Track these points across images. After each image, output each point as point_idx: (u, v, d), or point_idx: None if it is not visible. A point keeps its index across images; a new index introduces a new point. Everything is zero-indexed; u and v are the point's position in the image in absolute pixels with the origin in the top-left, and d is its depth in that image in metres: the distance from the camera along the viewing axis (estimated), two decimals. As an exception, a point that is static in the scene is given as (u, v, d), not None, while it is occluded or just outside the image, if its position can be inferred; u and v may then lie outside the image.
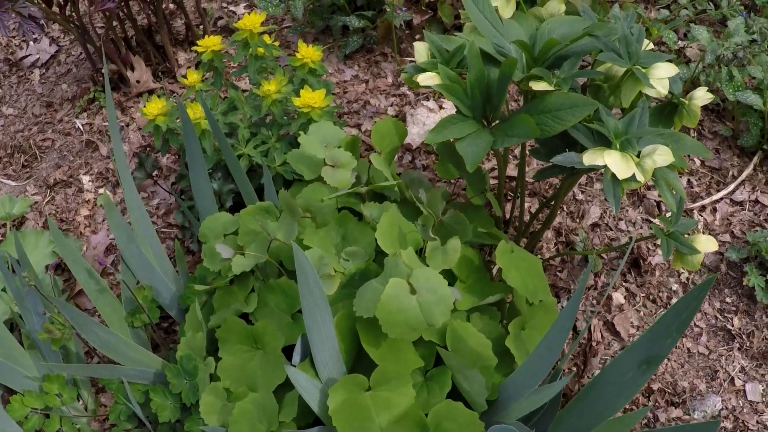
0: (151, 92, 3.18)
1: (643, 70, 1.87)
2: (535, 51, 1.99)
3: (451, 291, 1.80)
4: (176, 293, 2.35)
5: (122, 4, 2.97)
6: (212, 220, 2.22)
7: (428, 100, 2.99)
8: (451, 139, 1.87)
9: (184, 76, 3.02)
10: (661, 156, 1.79)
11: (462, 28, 3.04)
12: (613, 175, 1.74)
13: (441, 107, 2.96)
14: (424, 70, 2.08)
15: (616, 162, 1.72)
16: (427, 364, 1.95)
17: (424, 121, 2.91)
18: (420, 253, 2.05)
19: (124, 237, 2.21)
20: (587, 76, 1.97)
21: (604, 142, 1.84)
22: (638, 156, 1.79)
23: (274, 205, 2.14)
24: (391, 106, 3.03)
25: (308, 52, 2.49)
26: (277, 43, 2.55)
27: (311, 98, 2.37)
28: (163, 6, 3.12)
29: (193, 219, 2.58)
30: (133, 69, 3.12)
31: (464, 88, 1.94)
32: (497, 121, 1.95)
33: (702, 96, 1.98)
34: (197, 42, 2.56)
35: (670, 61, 1.91)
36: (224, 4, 3.55)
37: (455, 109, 2.96)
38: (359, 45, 3.15)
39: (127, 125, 3.11)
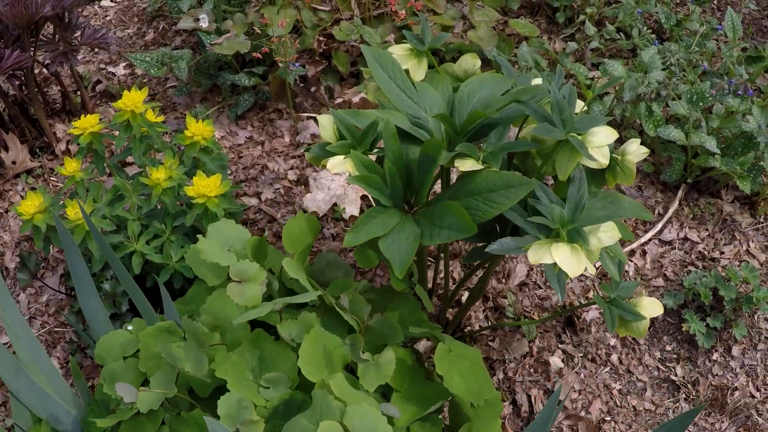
0: (29, 172, 2.91)
1: (580, 138, 1.69)
2: (455, 119, 1.81)
3: (389, 427, 1.59)
4: (77, 416, 2.10)
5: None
6: (108, 340, 1.98)
7: (331, 161, 2.78)
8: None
9: (65, 152, 2.78)
10: (607, 233, 1.64)
11: (359, 76, 2.86)
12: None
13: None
14: (331, 152, 1.89)
15: (566, 258, 1.54)
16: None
17: (329, 185, 2.71)
18: (348, 368, 1.85)
19: (10, 371, 1.96)
20: (519, 149, 1.78)
21: (544, 227, 1.66)
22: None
23: (176, 325, 1.91)
24: (291, 169, 2.82)
25: (198, 129, 2.27)
26: (161, 119, 2.31)
27: (206, 186, 2.15)
28: (35, 73, 2.85)
29: (86, 336, 2.33)
30: (7, 149, 2.85)
31: (382, 175, 1.75)
32: (420, 206, 1.78)
33: (636, 151, 1.80)
34: (73, 123, 2.32)
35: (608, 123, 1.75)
36: (102, 65, 3.30)
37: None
38: (251, 104, 2.93)
39: (6, 211, 2.84)
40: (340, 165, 1.79)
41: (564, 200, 1.66)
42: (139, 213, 2.26)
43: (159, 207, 2.32)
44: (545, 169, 1.78)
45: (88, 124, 2.31)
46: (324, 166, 1.84)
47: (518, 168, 1.90)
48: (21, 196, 2.86)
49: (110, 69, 3.27)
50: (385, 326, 1.87)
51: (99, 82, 3.19)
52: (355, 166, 1.76)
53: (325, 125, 1.93)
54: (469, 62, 2.11)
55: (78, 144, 2.28)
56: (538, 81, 1.94)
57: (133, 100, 2.23)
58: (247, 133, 2.93)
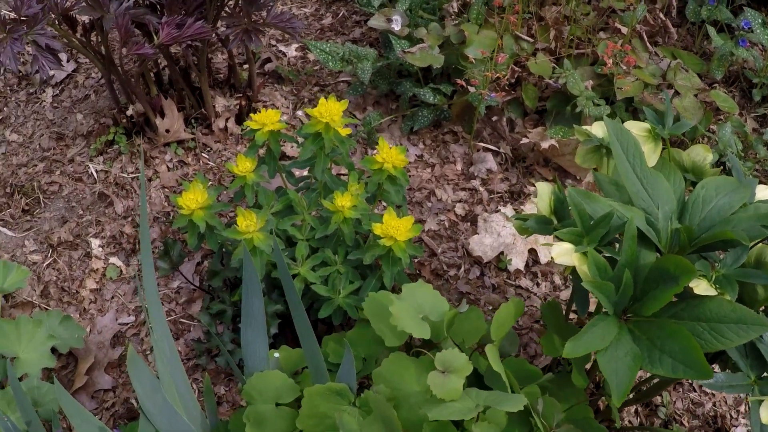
0: (180, 142, 2.72)
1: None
2: (686, 221, 1.62)
3: None
4: (203, 441, 1.92)
5: (161, 52, 2.50)
6: (263, 380, 1.79)
7: (505, 206, 2.56)
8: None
9: (222, 129, 2.58)
10: None
11: (545, 114, 2.63)
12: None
13: (520, 216, 2.53)
14: (546, 223, 1.71)
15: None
16: None
17: (499, 231, 2.49)
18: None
19: (148, 389, 1.78)
20: (761, 281, 1.55)
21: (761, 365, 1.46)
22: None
23: (348, 389, 1.70)
24: (460, 202, 2.61)
25: (390, 155, 2.05)
26: (348, 131, 2.09)
27: (395, 228, 1.94)
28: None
29: (225, 351, 2.15)
30: (163, 115, 2.66)
31: (613, 280, 1.54)
32: (632, 315, 1.58)
33: None
34: (251, 116, 2.12)
35: None
36: (273, 42, 3.09)
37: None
38: (429, 121, 2.71)
39: (150, 180, 2.66)
40: (566, 255, 1.60)
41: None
42: (312, 234, 2.06)
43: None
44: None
45: (268, 120, 2.11)
46: (528, 233, 1.72)
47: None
48: (168, 167, 2.68)
49: (281, 47, 3.07)
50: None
51: (269, 60, 2.98)
52: (588, 268, 1.55)
53: (543, 194, 1.77)
54: (700, 154, 1.90)
55: (247, 138, 2.07)
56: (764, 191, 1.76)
57: (330, 111, 2.02)
58: (419, 150, 2.72)
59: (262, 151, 2.19)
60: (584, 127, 1.92)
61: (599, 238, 1.62)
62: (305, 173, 2.28)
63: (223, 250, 2.23)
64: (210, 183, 2.21)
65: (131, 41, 2.31)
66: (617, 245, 1.64)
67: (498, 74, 2.43)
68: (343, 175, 2.50)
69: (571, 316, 2.16)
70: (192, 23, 2.33)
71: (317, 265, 2.07)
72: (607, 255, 1.62)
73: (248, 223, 1.95)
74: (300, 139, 2.17)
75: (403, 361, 1.75)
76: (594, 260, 1.56)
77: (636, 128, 1.83)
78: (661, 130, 1.82)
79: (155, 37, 2.32)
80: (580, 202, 1.65)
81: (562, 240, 1.64)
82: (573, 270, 1.62)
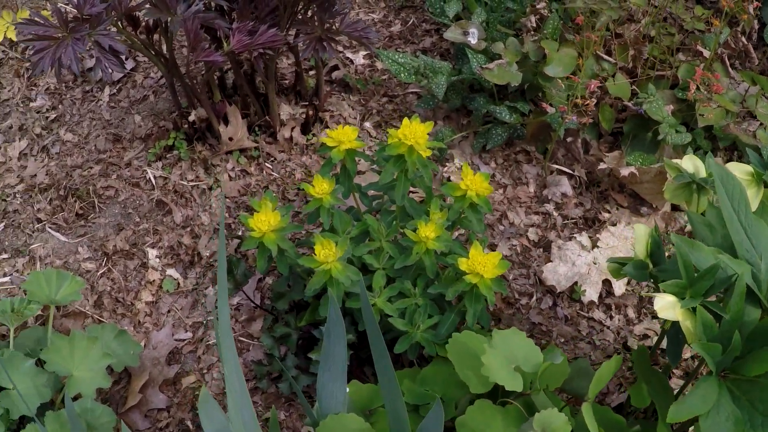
0: (243, 151, 2.62)
1: None
2: None
3: None
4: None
5: (231, 59, 2.40)
6: (338, 423, 1.68)
7: (581, 234, 2.45)
8: None
9: (288, 140, 2.48)
10: None
11: (621, 137, 2.52)
12: None
13: (596, 245, 2.42)
14: (643, 268, 1.63)
15: None
16: None
17: (574, 260, 2.38)
18: None
19: (216, 429, 1.68)
20: None
21: None
22: None
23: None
24: (533, 226, 2.49)
25: (475, 183, 1.94)
26: (428, 153, 1.97)
27: (482, 264, 1.83)
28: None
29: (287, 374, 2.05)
30: (227, 122, 2.56)
31: (719, 339, 1.46)
32: (730, 372, 1.49)
33: None
34: (327, 133, 2.02)
35: None
36: (340, 49, 2.97)
37: (608, 247, 2.45)
38: (503, 140, 2.60)
39: (210, 189, 2.55)
40: (670, 310, 1.51)
41: None
42: (390, 264, 1.96)
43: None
44: None
45: (345, 137, 2.01)
46: (616, 275, 1.68)
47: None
48: (230, 176, 2.58)
49: (348, 54, 2.95)
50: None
51: (336, 68, 2.87)
52: (691, 324, 1.47)
53: (640, 237, 1.71)
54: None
55: (320, 154, 1.97)
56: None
57: (415, 133, 1.91)
58: (490, 170, 2.60)
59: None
60: (675, 161, 1.82)
61: (704, 291, 1.51)
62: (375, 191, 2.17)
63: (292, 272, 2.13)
64: (273, 194, 2.10)
65: (200, 47, 2.21)
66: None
67: (587, 101, 2.31)
68: (412, 192, 2.40)
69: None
70: (265, 30, 2.22)
71: (394, 297, 1.96)
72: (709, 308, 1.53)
73: (327, 253, 1.85)
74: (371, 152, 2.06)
75: (489, 410, 1.66)
76: (702, 319, 1.46)
77: (738, 171, 1.75)
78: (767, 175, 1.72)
79: (224, 43, 2.22)
80: (686, 252, 1.55)
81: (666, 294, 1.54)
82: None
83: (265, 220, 1.93)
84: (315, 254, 1.86)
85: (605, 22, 2.49)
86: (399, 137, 1.92)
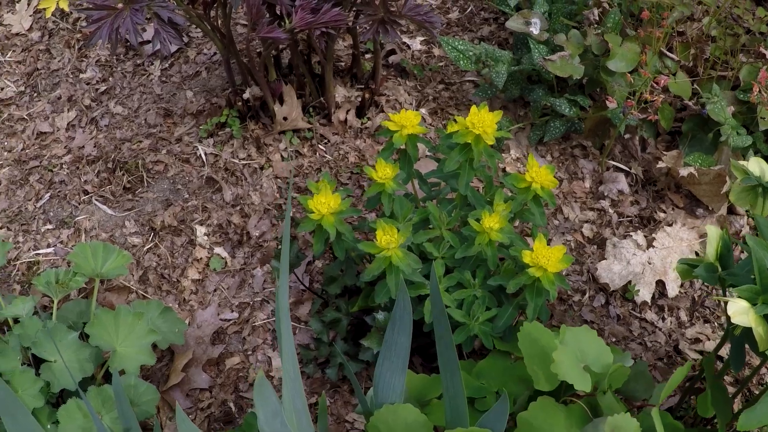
0: (296, 131, 2.58)
1: None
2: None
3: None
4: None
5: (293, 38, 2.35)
6: (393, 414, 1.64)
7: (636, 233, 2.40)
8: None
9: (342, 122, 2.44)
10: None
11: (679, 136, 2.47)
12: None
13: (651, 245, 2.37)
14: (713, 271, 1.63)
15: None
16: None
17: (629, 259, 2.34)
18: None
19: (269, 413, 1.64)
20: None
21: None
22: None
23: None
24: (588, 222, 2.45)
25: (540, 175, 1.90)
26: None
27: (546, 257, 1.78)
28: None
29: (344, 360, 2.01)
30: (282, 101, 2.52)
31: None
32: None
33: None
34: (390, 116, 1.98)
35: None
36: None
37: (663, 248, 2.40)
38: (560, 133, 2.55)
39: (262, 168, 2.52)
40: (743, 314, 1.47)
41: None
42: (449, 253, 1.91)
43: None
44: None
45: (408, 122, 1.97)
46: (685, 277, 1.67)
47: None
48: (281, 156, 2.54)
49: (405, 39, 2.91)
50: None
51: (393, 52, 2.83)
52: (763, 331, 1.41)
53: (712, 239, 1.69)
54: None
55: (381, 138, 1.93)
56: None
57: (483, 122, 1.87)
58: (545, 162, 2.56)
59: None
60: (741, 162, 1.78)
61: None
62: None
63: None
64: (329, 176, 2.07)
65: (261, 23, 2.17)
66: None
67: (656, 97, 2.26)
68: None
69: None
70: (328, 9, 2.18)
71: (452, 287, 1.92)
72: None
73: (389, 239, 1.81)
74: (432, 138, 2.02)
75: (552, 408, 1.63)
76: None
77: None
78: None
79: (286, 20, 2.18)
80: (762, 257, 1.51)
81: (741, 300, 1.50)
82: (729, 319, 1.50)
83: (325, 203, 1.89)
84: (376, 239, 1.81)
85: (677, 18, 2.43)
86: (467, 125, 1.88)
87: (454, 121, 1.93)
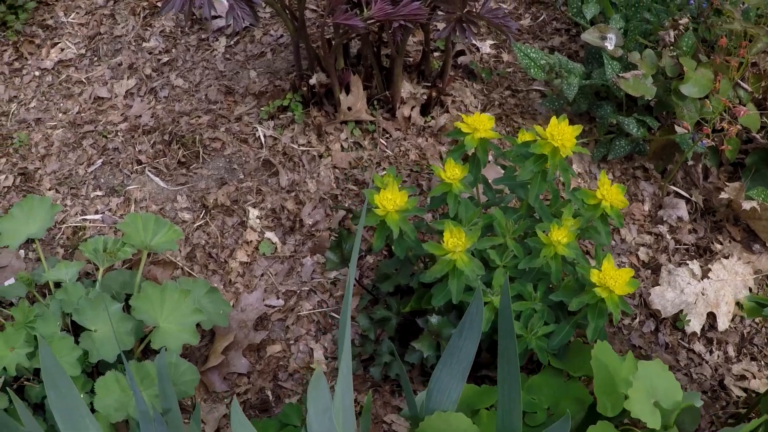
0: (358, 123, 2.55)
1: None
2: None
3: None
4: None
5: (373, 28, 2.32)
6: (444, 421, 1.61)
7: (692, 262, 2.36)
8: None
9: (406, 119, 2.40)
10: None
11: (742, 168, 2.43)
12: None
13: (706, 276, 2.33)
14: None
15: None
16: None
17: (683, 287, 2.30)
18: None
19: (320, 408, 1.61)
20: None
21: None
22: None
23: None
24: (644, 246, 2.41)
25: (611, 194, 1.86)
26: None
27: (613, 279, 1.74)
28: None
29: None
30: (348, 91, 2.49)
31: None
32: None
33: None
34: (463, 118, 1.94)
35: None
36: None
37: (718, 280, 2.36)
38: (625, 153, 2.51)
39: (321, 156, 2.49)
40: None
41: None
42: (513, 263, 1.88)
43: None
44: None
45: (480, 125, 1.93)
46: (751, 314, 1.68)
47: None
48: (341, 146, 2.51)
49: (475, 41, 2.87)
50: None
51: (462, 53, 2.79)
52: None
53: None
54: None
55: (451, 138, 1.90)
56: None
57: (562, 135, 1.83)
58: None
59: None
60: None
61: None
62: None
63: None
64: (396, 172, 2.04)
65: (339, 9, 2.14)
66: None
67: (732, 126, 2.22)
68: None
69: None
70: (409, 2, 2.15)
71: (512, 297, 1.88)
72: None
73: (455, 242, 1.77)
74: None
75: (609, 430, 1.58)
76: None
77: None
78: None
79: (364, 9, 2.15)
80: None
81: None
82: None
83: (391, 199, 1.85)
84: (442, 241, 1.78)
85: (761, 49, 2.39)
86: (546, 136, 1.84)
87: (525, 129, 1.90)
